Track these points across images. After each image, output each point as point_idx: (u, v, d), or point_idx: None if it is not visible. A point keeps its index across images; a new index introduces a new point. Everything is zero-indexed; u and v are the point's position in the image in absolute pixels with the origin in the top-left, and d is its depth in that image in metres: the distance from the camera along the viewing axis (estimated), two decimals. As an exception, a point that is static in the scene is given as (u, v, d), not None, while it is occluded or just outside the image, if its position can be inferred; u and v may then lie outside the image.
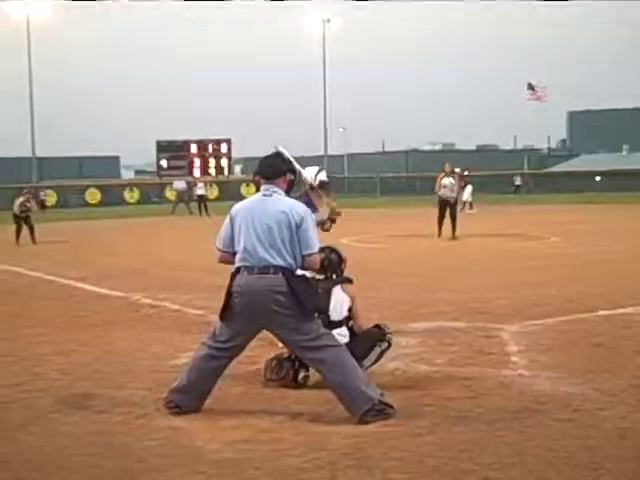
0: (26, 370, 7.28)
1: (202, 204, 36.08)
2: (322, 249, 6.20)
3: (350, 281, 6.83)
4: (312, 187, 8.07)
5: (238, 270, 5.71)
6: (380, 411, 5.53)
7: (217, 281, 13.30)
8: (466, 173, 37.92)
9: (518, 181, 56.98)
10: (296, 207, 5.76)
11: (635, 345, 7.65)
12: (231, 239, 5.82)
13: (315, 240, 5.75)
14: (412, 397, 6.09)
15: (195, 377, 5.82)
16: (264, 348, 7.57)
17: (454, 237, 19.98)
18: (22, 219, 21.59)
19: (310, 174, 8.14)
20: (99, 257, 18.27)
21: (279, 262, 5.60)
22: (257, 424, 5.54)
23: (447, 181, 20.51)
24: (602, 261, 15.04)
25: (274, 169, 5.93)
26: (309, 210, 5.88)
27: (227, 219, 5.90)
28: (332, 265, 6.72)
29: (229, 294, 5.72)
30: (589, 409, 5.73)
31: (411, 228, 24.36)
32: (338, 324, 6.46)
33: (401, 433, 5.27)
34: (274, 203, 5.74)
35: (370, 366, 6.49)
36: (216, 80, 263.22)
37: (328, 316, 6.47)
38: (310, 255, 5.68)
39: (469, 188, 34.69)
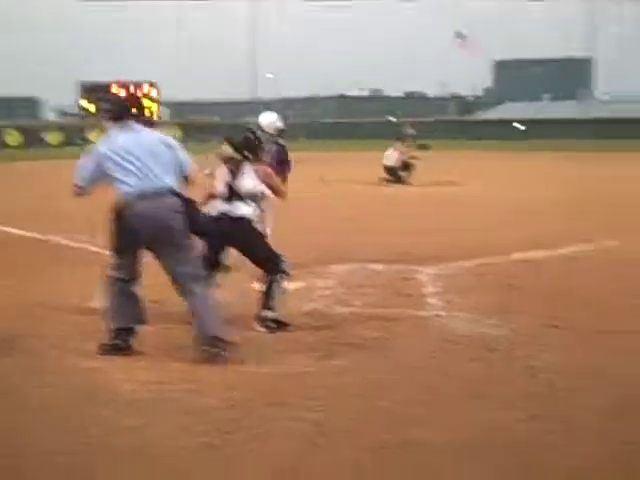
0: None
1: None
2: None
3: (259, 161, 6.75)
4: (271, 134, 8.40)
5: (128, 199, 5.72)
6: (211, 345, 5.62)
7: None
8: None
9: (410, 130, 54.05)
10: (166, 136, 6.08)
11: (547, 287, 7.87)
12: (95, 175, 5.87)
13: (189, 159, 5.99)
14: (330, 338, 6.16)
15: (121, 312, 5.85)
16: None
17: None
18: None
19: (268, 120, 8.48)
20: (19, 198, 17.85)
21: (171, 183, 5.74)
22: (172, 365, 5.53)
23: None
24: (520, 206, 15.35)
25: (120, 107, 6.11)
26: None
27: (92, 157, 5.89)
28: (249, 144, 6.69)
29: (121, 223, 5.77)
30: (502, 349, 5.88)
31: (342, 172, 24.42)
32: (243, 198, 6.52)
33: (318, 373, 5.34)
34: (147, 134, 5.93)
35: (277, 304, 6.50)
36: (145, 22, 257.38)
37: (233, 189, 6.50)
38: (191, 172, 5.93)
39: None
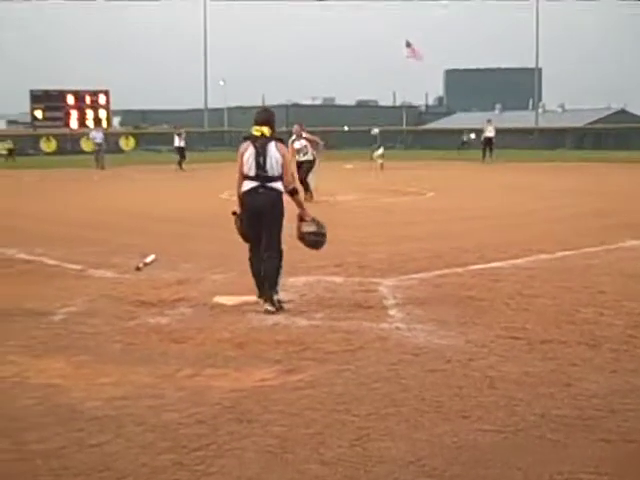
0: None
1: (181, 157, 34.30)
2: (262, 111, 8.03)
3: (281, 141, 7.83)
4: None
5: None
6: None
7: (93, 235, 13.12)
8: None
9: (466, 137, 52.27)
10: None
11: (504, 297, 7.98)
12: None
13: None
14: (292, 351, 6.19)
15: None
16: (143, 304, 7.62)
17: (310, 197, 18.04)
18: None
19: None
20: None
21: None
22: (137, 380, 5.53)
23: (298, 144, 18.69)
24: (474, 216, 15.52)
25: None
26: None
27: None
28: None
29: None
30: (460, 360, 5.97)
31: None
32: (273, 179, 7.54)
33: (281, 387, 5.37)
34: None
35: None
36: (94, 30, 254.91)
37: (266, 172, 7.50)
38: None
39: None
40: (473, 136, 36.22)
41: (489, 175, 29.44)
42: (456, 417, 4.82)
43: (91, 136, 39.56)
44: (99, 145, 37.54)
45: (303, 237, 7.87)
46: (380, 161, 32.19)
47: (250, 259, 7.75)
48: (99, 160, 36.49)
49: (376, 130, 34.52)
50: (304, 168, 18.52)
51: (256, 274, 7.71)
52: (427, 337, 6.60)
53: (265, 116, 7.82)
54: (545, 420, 4.75)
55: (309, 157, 18.84)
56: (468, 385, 5.40)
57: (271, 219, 7.53)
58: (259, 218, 7.53)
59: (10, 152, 44.84)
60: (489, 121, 40.17)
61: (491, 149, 38.59)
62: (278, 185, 7.57)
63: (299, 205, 7.86)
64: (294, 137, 18.83)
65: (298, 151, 18.60)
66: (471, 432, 4.58)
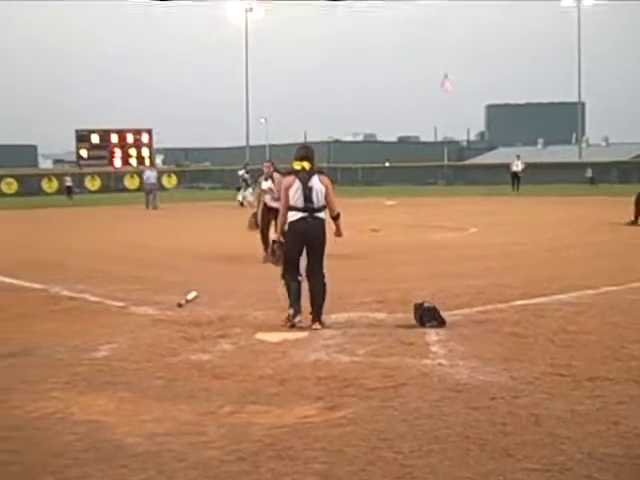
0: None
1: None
2: (301, 147, 8.87)
3: (323, 172, 8.66)
4: None
5: None
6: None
7: (135, 272, 13.23)
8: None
9: (590, 173, 51.71)
10: None
11: (549, 334, 7.87)
12: None
13: None
14: (334, 388, 6.16)
15: None
16: (185, 340, 7.64)
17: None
18: None
19: None
20: (15, 248, 17.85)
21: None
22: (178, 416, 5.53)
23: (265, 185, 14.76)
24: (517, 252, 15.39)
25: None
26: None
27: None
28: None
29: None
30: (505, 397, 5.88)
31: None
32: (319, 210, 8.33)
33: (323, 424, 5.33)
34: None
35: None
36: (137, 70, 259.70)
37: (312, 203, 8.27)
38: None
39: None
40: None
41: (530, 210, 29.20)
42: (501, 455, 4.74)
43: (145, 176, 36.86)
44: (152, 185, 35.26)
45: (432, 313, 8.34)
46: (240, 200, 32.99)
47: (283, 276, 8.43)
48: (151, 201, 34.29)
49: (241, 172, 35.57)
50: (271, 216, 13.81)
51: (290, 289, 8.34)
52: (470, 373, 6.52)
53: (304, 152, 8.61)
54: (592, 459, 4.65)
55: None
56: (513, 423, 5.31)
57: (318, 245, 8.36)
58: (304, 244, 8.33)
59: (69, 190, 44.73)
60: (518, 156, 44.00)
61: (518, 182, 42.15)
62: (322, 215, 8.42)
63: (338, 229, 8.72)
64: (264, 176, 15.09)
65: (266, 192, 14.75)
66: (517, 471, 4.50)
